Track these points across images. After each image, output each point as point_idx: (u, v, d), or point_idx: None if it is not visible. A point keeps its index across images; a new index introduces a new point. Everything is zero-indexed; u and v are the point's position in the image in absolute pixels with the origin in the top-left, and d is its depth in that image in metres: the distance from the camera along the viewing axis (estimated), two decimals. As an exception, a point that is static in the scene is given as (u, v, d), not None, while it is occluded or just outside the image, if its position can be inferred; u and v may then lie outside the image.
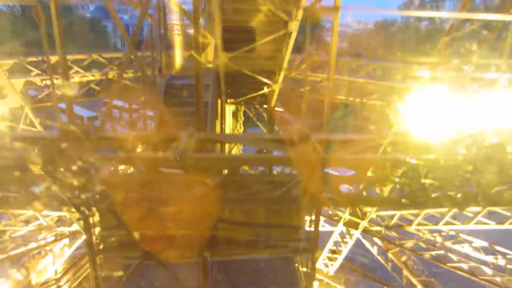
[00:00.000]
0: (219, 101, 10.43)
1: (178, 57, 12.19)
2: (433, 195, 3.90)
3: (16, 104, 9.70)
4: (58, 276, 14.92)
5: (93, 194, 4.25)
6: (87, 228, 4.76)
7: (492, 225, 10.77)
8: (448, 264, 12.31)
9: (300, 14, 6.26)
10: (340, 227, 14.37)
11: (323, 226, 15.79)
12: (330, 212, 14.40)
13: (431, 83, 7.45)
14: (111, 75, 12.80)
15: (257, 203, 4.40)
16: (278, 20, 6.47)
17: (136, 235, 5.26)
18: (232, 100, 10.81)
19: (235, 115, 15.49)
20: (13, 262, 14.38)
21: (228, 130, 13.48)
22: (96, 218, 5.20)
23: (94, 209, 4.97)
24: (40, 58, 11.61)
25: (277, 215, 5.00)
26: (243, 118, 16.40)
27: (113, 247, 5.47)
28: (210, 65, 11.24)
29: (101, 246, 5.42)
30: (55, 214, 12.30)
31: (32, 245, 13.46)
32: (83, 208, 4.35)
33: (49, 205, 4.18)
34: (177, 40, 12.42)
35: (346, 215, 13.65)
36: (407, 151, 3.66)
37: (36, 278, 14.60)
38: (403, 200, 3.94)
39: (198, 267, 5.87)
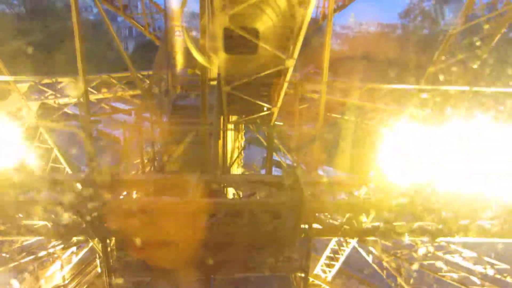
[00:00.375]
0: (220, 119, 11.02)
1: (183, 75, 12.78)
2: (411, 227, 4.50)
3: (32, 124, 10.33)
4: (66, 282, 15.57)
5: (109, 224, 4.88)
6: (104, 250, 5.37)
7: (478, 237, 11.35)
8: (439, 274, 12.89)
9: (297, 52, 6.86)
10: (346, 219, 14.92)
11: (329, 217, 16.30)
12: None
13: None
14: (119, 94, 13.49)
15: (254, 232, 4.99)
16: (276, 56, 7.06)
17: (146, 257, 5.88)
18: (234, 119, 11.41)
19: (236, 127, 16.07)
20: (23, 269, 15.06)
21: (229, 143, 14.06)
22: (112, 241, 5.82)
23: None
24: (54, 80, 12.29)
25: (272, 239, 5.59)
26: (244, 130, 16.97)
27: (126, 266, 6.08)
28: (214, 82, 11.86)
29: (116, 265, 6.04)
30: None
31: (42, 253, 14.11)
32: (101, 235, 4.97)
33: (73, 233, 4.80)
34: (181, 59, 12.98)
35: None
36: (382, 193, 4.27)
37: (45, 284, 15.24)
38: (384, 232, 4.53)
39: (201, 284, 6.50)
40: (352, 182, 4.63)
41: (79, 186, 4.33)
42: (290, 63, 6.94)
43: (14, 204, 4.38)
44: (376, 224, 4.62)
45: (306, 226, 5.01)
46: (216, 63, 8.83)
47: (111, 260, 5.44)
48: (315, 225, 4.99)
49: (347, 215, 4.77)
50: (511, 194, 4.67)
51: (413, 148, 5.69)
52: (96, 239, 5.57)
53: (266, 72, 7.47)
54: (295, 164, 14.11)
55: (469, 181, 4.96)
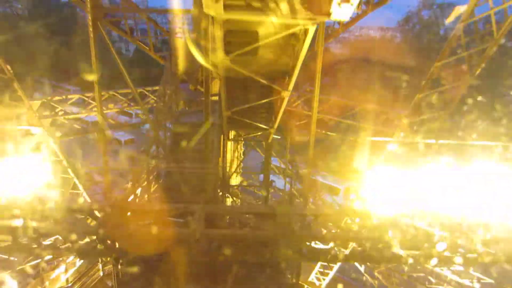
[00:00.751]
0: (221, 137, 11.61)
1: (186, 91, 13.38)
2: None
3: (44, 139, 10.90)
4: (70, 284, 16.18)
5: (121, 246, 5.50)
6: (116, 267, 5.99)
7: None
8: (428, 285, 13.49)
9: (292, 85, 7.45)
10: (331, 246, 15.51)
11: (317, 244, 16.90)
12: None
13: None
14: (126, 109, 14.13)
15: (249, 256, 5.58)
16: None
17: (150, 273, 6.49)
18: (233, 134, 12.00)
19: (235, 140, 16.64)
20: (29, 272, 15.69)
21: (229, 155, 14.63)
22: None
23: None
24: (64, 97, 12.93)
25: (266, 262, 6.21)
26: (243, 141, 17.54)
27: (133, 281, 6.70)
28: (216, 97, 12.46)
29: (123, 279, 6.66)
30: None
31: (48, 256, 14.73)
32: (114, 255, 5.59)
33: (90, 253, 5.41)
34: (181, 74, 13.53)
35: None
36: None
37: (49, 286, 15.84)
38: (363, 257, 5.11)
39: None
40: (337, 215, 5.21)
41: (96, 213, 4.94)
42: (286, 95, 7.53)
43: (37, 229, 4.99)
44: (356, 249, 5.21)
45: (298, 250, 5.58)
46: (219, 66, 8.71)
47: (120, 275, 6.05)
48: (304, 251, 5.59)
49: (332, 243, 5.36)
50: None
51: (394, 180, 6.29)
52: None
53: (264, 101, 8.07)
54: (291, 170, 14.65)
55: (442, 215, 5.56)
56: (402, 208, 5.24)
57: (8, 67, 8.86)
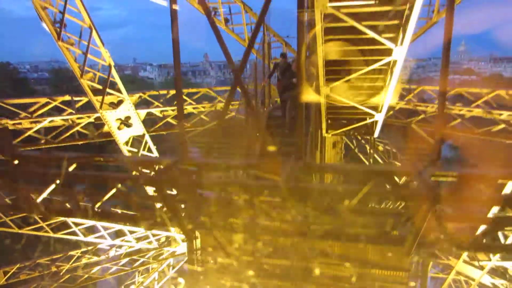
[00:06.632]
0: (319, 131, 10.32)
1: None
2: None
3: (139, 132, 11.11)
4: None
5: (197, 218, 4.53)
6: (190, 248, 5.05)
7: None
8: None
9: (407, 40, 5.97)
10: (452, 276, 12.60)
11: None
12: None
13: None
14: (219, 106, 13.88)
15: (357, 240, 4.13)
16: (381, 48, 6.24)
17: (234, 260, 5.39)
18: (332, 131, 10.61)
19: (335, 146, 15.07)
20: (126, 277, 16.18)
21: (328, 154, 13.13)
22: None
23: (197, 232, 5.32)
24: (158, 92, 13.28)
25: (380, 252, 4.62)
26: (344, 151, 15.85)
27: (212, 269, 5.68)
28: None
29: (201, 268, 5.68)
30: (163, 234, 13.38)
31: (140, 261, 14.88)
32: (189, 230, 4.66)
33: (160, 225, 4.58)
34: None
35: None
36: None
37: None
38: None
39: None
40: (494, 177, 3.47)
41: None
42: (399, 54, 6.06)
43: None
44: None
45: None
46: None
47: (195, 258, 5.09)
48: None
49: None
50: None
51: None
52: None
53: (369, 68, 6.65)
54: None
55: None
56: None
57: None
